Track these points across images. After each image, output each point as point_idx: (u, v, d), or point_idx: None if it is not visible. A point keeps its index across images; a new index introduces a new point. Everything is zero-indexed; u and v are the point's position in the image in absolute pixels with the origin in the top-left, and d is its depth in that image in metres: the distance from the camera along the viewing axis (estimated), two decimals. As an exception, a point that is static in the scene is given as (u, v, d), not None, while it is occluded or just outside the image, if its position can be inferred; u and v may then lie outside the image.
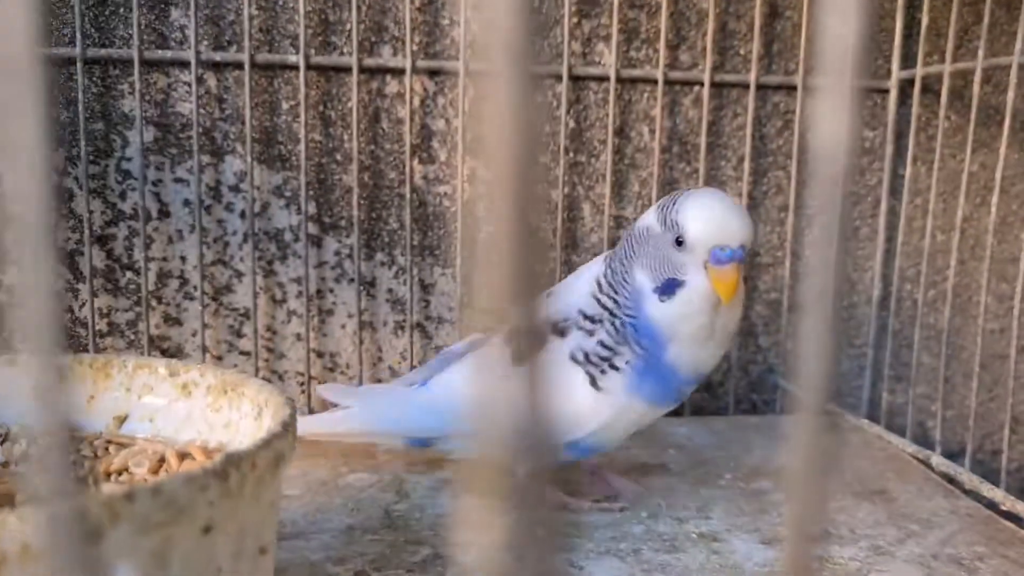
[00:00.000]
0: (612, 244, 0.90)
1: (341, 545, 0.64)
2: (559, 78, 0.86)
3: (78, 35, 0.79)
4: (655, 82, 0.88)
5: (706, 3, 0.88)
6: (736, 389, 0.96)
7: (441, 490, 0.75)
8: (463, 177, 0.85)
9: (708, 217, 0.61)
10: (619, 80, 0.87)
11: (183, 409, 0.55)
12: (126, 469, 0.50)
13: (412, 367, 0.88)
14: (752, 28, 0.89)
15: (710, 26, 0.88)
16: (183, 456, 0.51)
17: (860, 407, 0.97)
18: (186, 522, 0.37)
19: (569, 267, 0.90)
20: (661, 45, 0.87)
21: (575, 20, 0.86)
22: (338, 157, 0.85)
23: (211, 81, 0.82)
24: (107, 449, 0.53)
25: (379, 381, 0.89)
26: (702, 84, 0.89)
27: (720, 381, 0.95)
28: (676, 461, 0.83)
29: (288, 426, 0.44)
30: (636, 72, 0.88)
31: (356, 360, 0.88)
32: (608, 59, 0.87)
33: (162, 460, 0.51)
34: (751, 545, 0.66)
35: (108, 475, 0.50)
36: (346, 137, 0.84)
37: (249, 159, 0.82)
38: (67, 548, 0.33)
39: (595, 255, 0.90)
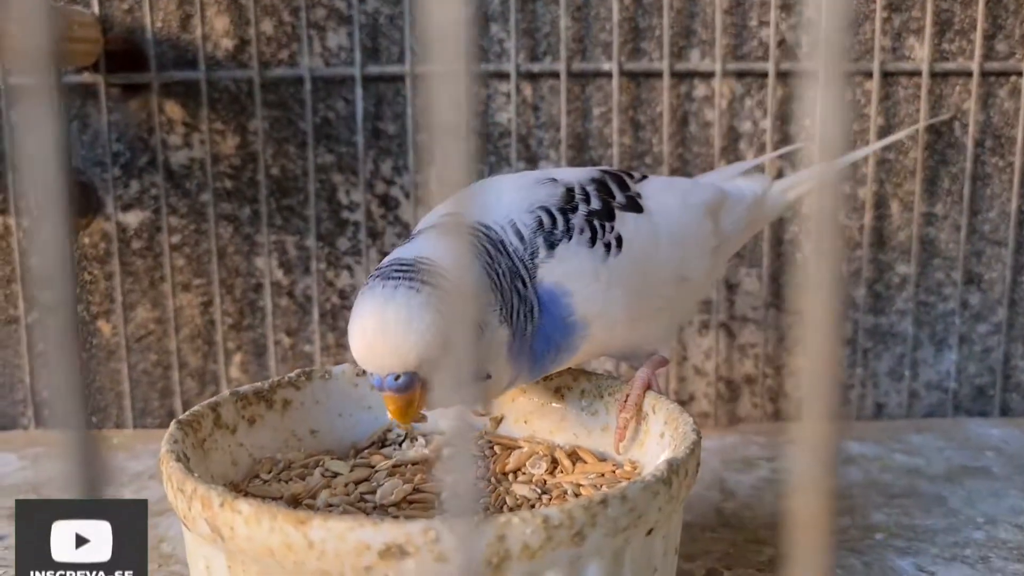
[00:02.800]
0: (921, 242, 0.88)
1: (687, 540, 0.65)
2: (868, 75, 0.85)
3: (407, 54, 0.84)
4: (969, 74, 0.86)
5: (1024, -11, 0.85)
6: (1048, 389, 0.92)
7: (764, 489, 0.76)
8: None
9: (354, 337, 0.48)
10: (931, 74, 0.85)
11: (557, 412, 0.58)
12: (520, 469, 0.54)
13: (716, 366, 0.89)
14: (1077, 12, 0.85)
15: (1029, 13, 0.84)
16: (573, 458, 0.54)
17: None
18: (640, 525, 0.39)
19: (876, 265, 0.88)
20: (977, 35, 0.85)
21: (885, 15, 0.85)
22: (647, 160, 0.86)
23: (527, 90, 0.86)
24: (492, 449, 0.57)
25: (682, 379, 0.90)
26: (1019, 74, 0.86)
27: (1030, 381, 0.92)
28: (998, 465, 0.81)
29: (699, 433, 0.46)
30: (949, 65, 0.86)
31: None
32: (919, 53, 0.85)
33: (554, 462, 0.54)
34: (1101, 557, 0.64)
35: (505, 475, 0.54)
36: (655, 140, 0.86)
37: (563, 164, 0.85)
38: (556, 548, 0.37)
39: (903, 252, 0.88)
